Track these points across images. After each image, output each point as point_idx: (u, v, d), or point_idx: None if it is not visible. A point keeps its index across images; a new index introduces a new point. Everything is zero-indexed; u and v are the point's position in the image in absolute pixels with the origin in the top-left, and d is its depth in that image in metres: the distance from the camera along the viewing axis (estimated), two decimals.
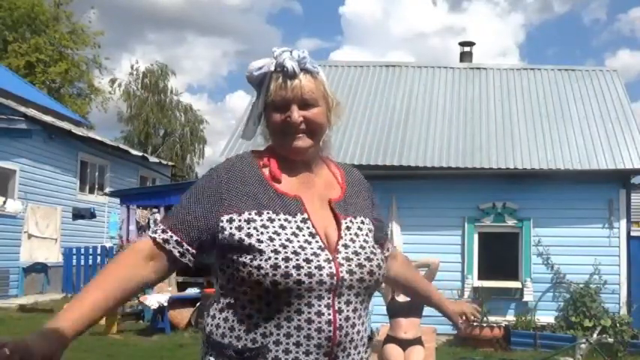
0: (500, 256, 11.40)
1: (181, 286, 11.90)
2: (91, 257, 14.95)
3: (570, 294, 10.78)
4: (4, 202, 13.83)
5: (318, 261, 1.64)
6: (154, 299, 10.31)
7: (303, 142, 1.74)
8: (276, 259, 1.61)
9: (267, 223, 1.67)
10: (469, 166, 11.47)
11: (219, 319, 1.72)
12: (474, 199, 11.29)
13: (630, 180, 11.54)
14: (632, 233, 11.20)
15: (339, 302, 1.65)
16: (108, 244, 15.32)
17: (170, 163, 24.28)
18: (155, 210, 12.00)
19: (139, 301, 10.67)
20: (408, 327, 5.98)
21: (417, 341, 5.99)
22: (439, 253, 10.39)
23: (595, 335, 9.76)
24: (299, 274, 1.61)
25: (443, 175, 11.46)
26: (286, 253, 1.62)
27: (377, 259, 1.75)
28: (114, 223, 16.26)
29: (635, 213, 14.78)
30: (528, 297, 10.99)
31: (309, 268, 1.62)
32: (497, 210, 11.29)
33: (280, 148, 1.77)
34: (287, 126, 1.73)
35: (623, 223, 11.05)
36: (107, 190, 17.18)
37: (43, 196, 15.29)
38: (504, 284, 11.13)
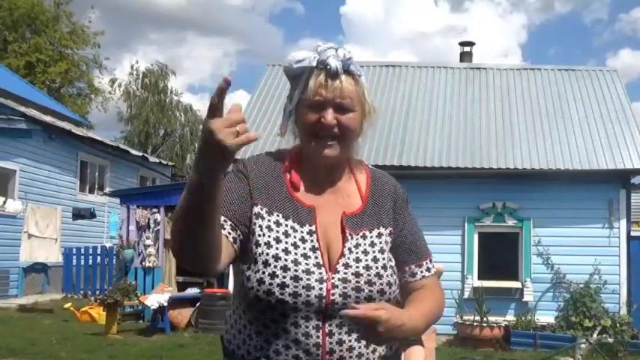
0: (500, 256, 11.40)
1: (181, 286, 11.90)
2: (91, 257, 14.96)
3: (570, 294, 10.77)
4: (4, 202, 13.82)
5: (309, 280, 1.55)
6: (154, 299, 10.30)
7: (332, 150, 1.62)
8: (263, 272, 1.55)
9: (273, 226, 1.61)
10: (469, 166, 11.47)
11: (230, 321, 1.71)
12: (473, 199, 11.29)
13: (630, 180, 11.55)
14: (632, 233, 11.21)
15: (330, 325, 1.56)
16: (108, 244, 15.32)
17: (170, 163, 24.30)
18: (155, 210, 11.98)
19: (139, 301, 10.67)
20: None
21: (417, 341, 5.98)
22: (439, 253, 10.39)
23: (595, 335, 9.76)
24: (282, 293, 1.54)
25: (443, 175, 11.46)
26: (276, 267, 1.55)
27: (381, 283, 1.61)
28: (114, 223, 16.26)
29: (635, 213, 14.77)
30: (528, 297, 10.99)
31: (296, 287, 1.54)
32: (497, 210, 11.29)
33: (308, 150, 1.66)
34: (319, 128, 1.61)
35: (623, 223, 11.05)
36: (107, 190, 17.18)
37: (43, 196, 15.28)
38: (504, 284, 11.14)
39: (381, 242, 1.67)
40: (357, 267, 1.60)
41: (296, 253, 1.58)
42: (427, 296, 1.71)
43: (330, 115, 1.60)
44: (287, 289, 1.54)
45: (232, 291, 1.73)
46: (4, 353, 8.15)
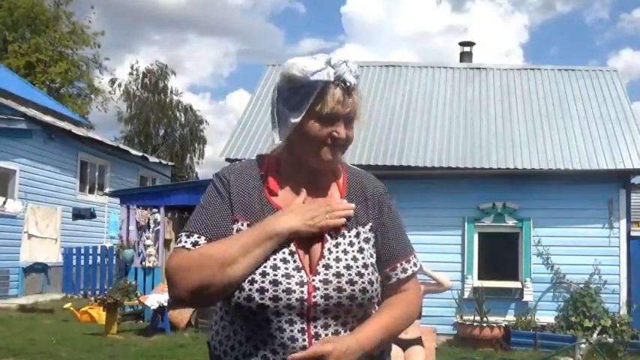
0: (500, 256, 11.41)
1: None
2: (91, 257, 14.97)
3: (570, 294, 10.78)
4: (4, 202, 13.82)
5: (289, 283, 1.57)
6: (154, 299, 10.30)
7: (336, 157, 1.69)
8: (242, 281, 1.57)
9: None
10: (469, 166, 11.48)
11: (216, 327, 1.72)
12: (474, 199, 11.29)
13: (630, 180, 11.55)
14: (632, 233, 11.21)
15: (315, 327, 1.58)
16: (108, 244, 15.32)
17: (170, 163, 24.28)
18: (155, 210, 11.98)
19: (139, 301, 10.67)
20: (408, 327, 5.96)
21: (417, 341, 5.98)
22: (439, 253, 10.42)
23: (595, 335, 9.76)
24: (262, 298, 1.55)
25: (443, 175, 11.46)
26: (254, 274, 1.57)
27: (363, 282, 1.61)
28: (114, 223, 16.26)
29: (635, 213, 14.77)
30: (528, 297, 10.99)
31: (276, 291, 1.56)
32: (497, 210, 11.29)
33: (310, 157, 1.68)
34: (331, 140, 1.66)
35: (623, 223, 11.05)
36: (107, 190, 17.17)
37: (43, 196, 15.28)
38: (504, 284, 11.14)
39: (359, 241, 1.68)
40: (338, 267, 1.61)
41: (275, 259, 1.60)
42: (395, 306, 1.70)
43: (343, 130, 1.66)
44: (267, 294, 1.56)
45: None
46: (4, 353, 8.15)
